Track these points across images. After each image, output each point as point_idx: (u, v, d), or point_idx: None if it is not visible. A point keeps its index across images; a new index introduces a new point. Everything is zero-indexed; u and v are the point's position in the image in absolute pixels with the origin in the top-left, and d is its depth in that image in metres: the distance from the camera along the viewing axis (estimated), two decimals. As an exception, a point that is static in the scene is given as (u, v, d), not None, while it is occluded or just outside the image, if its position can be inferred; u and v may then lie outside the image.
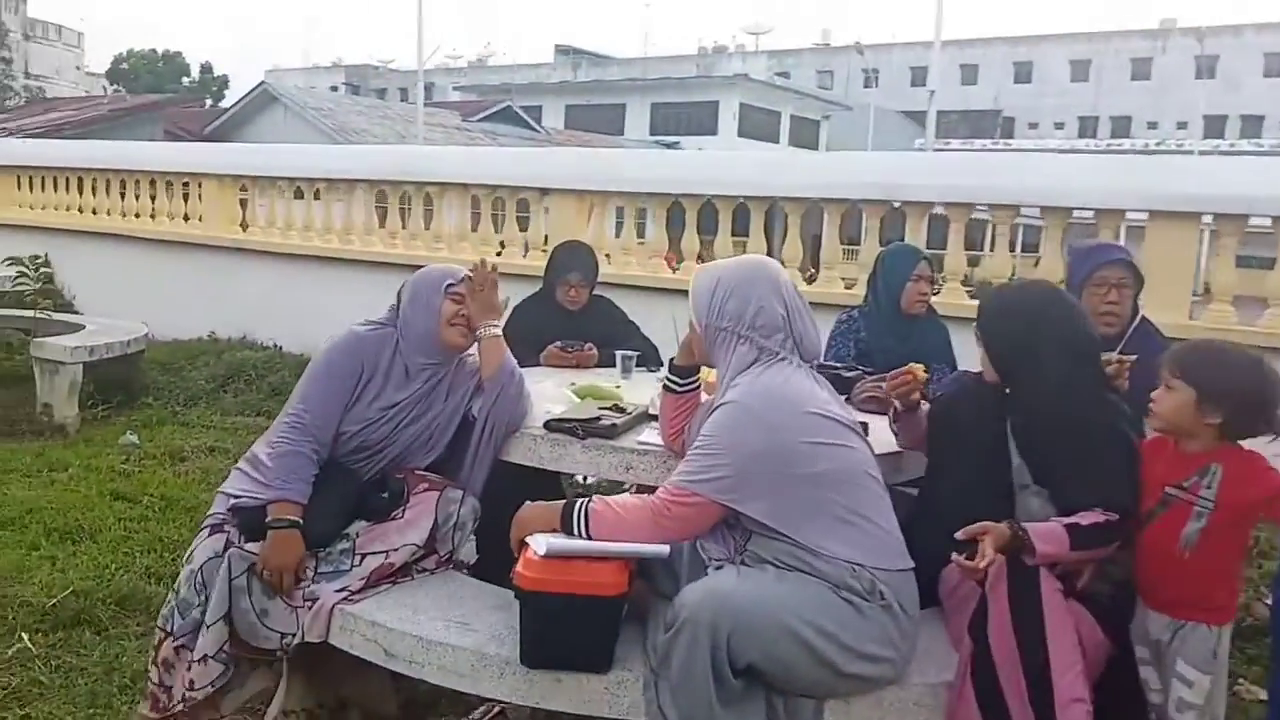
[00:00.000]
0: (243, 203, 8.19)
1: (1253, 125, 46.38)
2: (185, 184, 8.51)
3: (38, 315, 6.07)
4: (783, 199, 5.60)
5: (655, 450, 2.50)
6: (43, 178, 9.60)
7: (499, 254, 7.03)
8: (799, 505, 2.04)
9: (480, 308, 2.61)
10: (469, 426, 2.62)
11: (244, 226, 8.14)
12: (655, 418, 2.71)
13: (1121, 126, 50.61)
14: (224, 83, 57.87)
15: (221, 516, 2.46)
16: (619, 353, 3.44)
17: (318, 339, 7.50)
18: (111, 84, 53.00)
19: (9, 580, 3.34)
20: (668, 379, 2.45)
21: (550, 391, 2.92)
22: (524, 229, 6.71)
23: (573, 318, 3.88)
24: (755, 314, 2.18)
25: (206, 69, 59.87)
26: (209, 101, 45.67)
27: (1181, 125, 47.45)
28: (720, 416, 2.11)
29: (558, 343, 3.69)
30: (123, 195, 8.92)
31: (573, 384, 3.23)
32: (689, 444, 2.39)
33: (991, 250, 5.48)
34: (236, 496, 2.47)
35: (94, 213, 9.14)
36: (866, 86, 53.58)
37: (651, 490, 2.23)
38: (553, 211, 6.47)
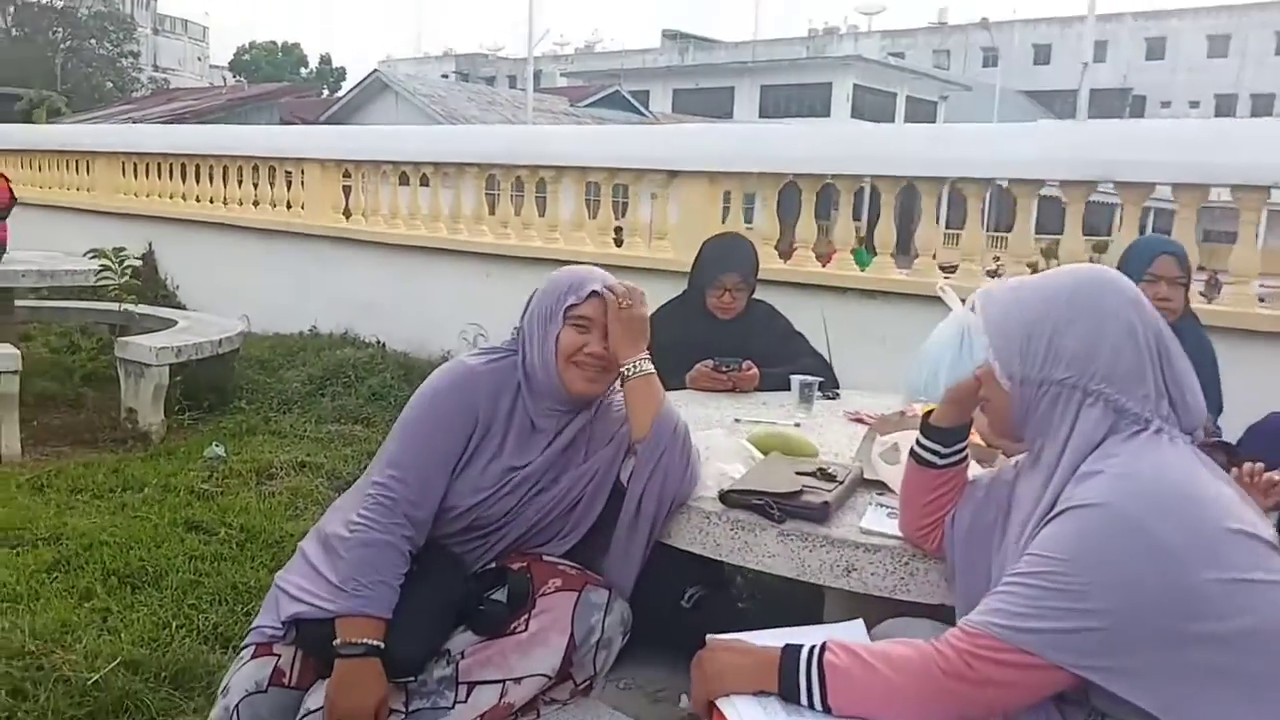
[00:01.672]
0: (346, 190, 7.67)
1: None
2: (289, 171, 8.05)
3: (124, 308, 5.61)
4: (966, 179, 4.72)
5: (892, 545, 1.72)
6: (146, 164, 9.29)
7: (618, 242, 6.32)
8: (1194, 681, 1.23)
9: (624, 335, 1.89)
10: (617, 498, 1.89)
11: (347, 214, 7.61)
12: (878, 485, 1.93)
13: (1263, 105, 47.24)
14: (341, 74, 59.01)
15: (271, 631, 1.77)
16: (797, 377, 2.66)
17: (423, 337, 6.97)
18: (233, 75, 54.48)
19: (50, 644, 2.76)
20: (921, 444, 1.67)
21: (720, 443, 2.15)
22: (647, 216, 5.98)
23: (726, 328, 3.12)
24: (1112, 359, 1.38)
25: (325, 60, 61.22)
26: (325, 92, 46.39)
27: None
28: (1080, 526, 1.29)
29: (709, 361, 2.94)
30: (225, 182, 8.52)
31: (736, 419, 2.47)
32: (955, 549, 1.61)
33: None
34: (295, 598, 1.78)
35: (197, 200, 8.78)
36: (985, 66, 51.35)
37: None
38: (682, 196, 5.70)
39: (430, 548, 1.85)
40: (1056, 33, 53.36)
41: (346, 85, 47.43)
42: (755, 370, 2.93)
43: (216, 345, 5.38)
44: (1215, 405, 3.04)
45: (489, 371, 1.91)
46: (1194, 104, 49.40)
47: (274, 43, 60.16)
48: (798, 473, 1.90)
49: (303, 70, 58.46)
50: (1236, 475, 1.96)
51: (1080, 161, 4.32)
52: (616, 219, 6.41)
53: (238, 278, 8.02)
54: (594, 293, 1.90)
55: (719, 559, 1.83)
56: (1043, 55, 54.33)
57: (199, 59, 61.34)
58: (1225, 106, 48.19)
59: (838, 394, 2.96)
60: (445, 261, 6.81)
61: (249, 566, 3.39)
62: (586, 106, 29.55)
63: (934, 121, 41.15)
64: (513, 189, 6.73)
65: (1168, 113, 48.88)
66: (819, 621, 1.83)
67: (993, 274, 6.06)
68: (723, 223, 5.63)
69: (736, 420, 2.54)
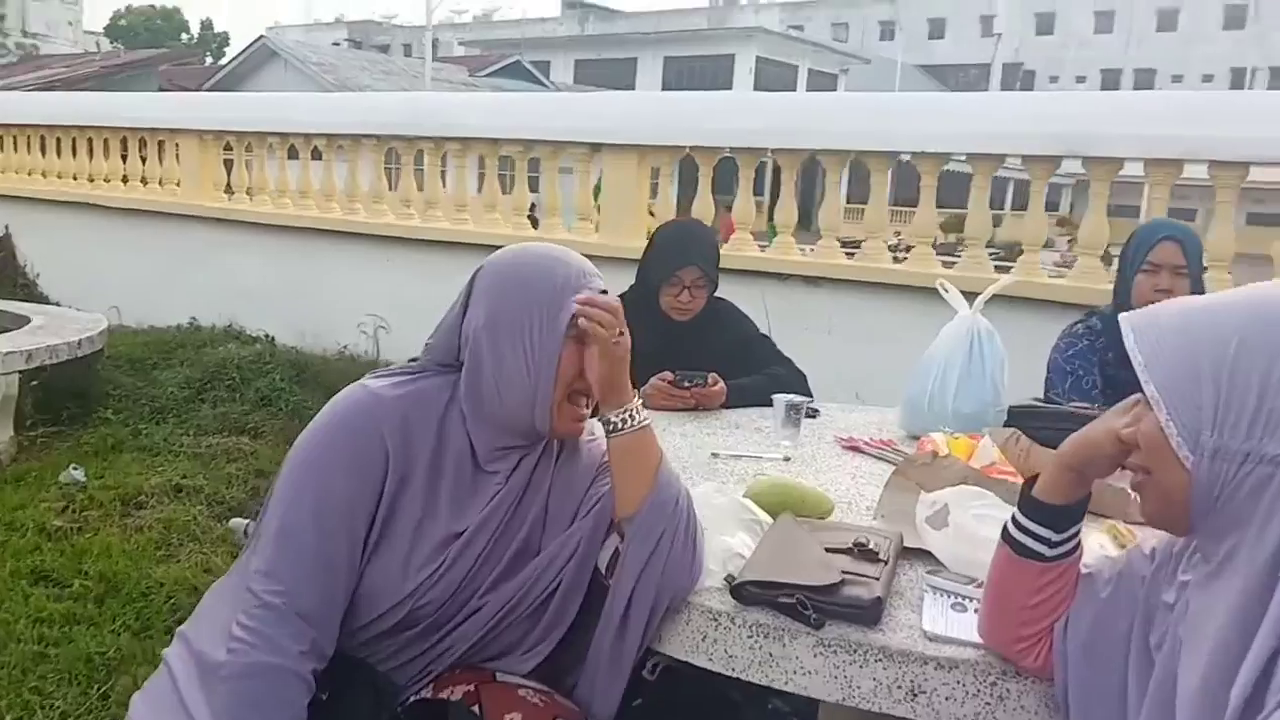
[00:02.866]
0: (228, 164, 6.91)
1: (1281, 79, 44.56)
2: (162, 143, 7.23)
3: (-38, 307, 4.85)
4: (916, 153, 4.33)
5: (970, 657, 1.27)
6: (1, 137, 8.31)
7: (534, 223, 5.78)
8: None
9: (614, 374, 1.39)
10: (597, 593, 1.40)
11: (229, 192, 6.86)
12: (922, 555, 1.48)
13: (1145, 79, 48.76)
14: (224, 40, 56.40)
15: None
16: (782, 398, 2.19)
17: (317, 330, 6.20)
18: (109, 41, 51.40)
19: None
20: (1021, 527, 1.21)
21: (709, 499, 1.65)
22: (566, 194, 5.46)
23: (683, 331, 2.64)
24: None
25: (206, 26, 58.37)
26: (209, 59, 44.10)
27: (1207, 78, 45.67)
28: None
29: (667, 373, 2.46)
30: (91, 157, 7.64)
31: (714, 453, 2.00)
32: (1069, 666, 1.17)
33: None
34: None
35: (59, 177, 7.87)
36: (883, 39, 51.79)
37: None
38: (607, 172, 5.19)
39: (343, 664, 1.34)
40: (951, 7, 54.05)
41: (230, 52, 45.25)
42: (722, 385, 2.46)
43: (75, 347, 4.65)
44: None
45: (402, 398, 1.39)
46: (1080, 79, 50.68)
47: (153, 6, 57.02)
48: (828, 549, 1.43)
49: (183, 36, 55.53)
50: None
51: (1046, 136, 3.96)
52: (532, 197, 5.86)
53: (106, 264, 7.20)
54: (577, 315, 1.39)
55: (730, 675, 1.36)
56: (938, 29, 55.02)
57: (71, 24, 57.64)
58: (1110, 81, 49.59)
59: (817, 410, 2.52)
60: (340, 245, 6.16)
61: (108, 630, 2.79)
62: (486, 76, 28.57)
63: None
64: (415, 164, 6.12)
65: (1056, 87, 50.10)
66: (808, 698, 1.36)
67: (894, 249, 5.74)
68: (653, 200, 5.14)
69: (714, 455, 2.06)
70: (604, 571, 1.39)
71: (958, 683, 1.25)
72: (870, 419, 2.51)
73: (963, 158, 4.41)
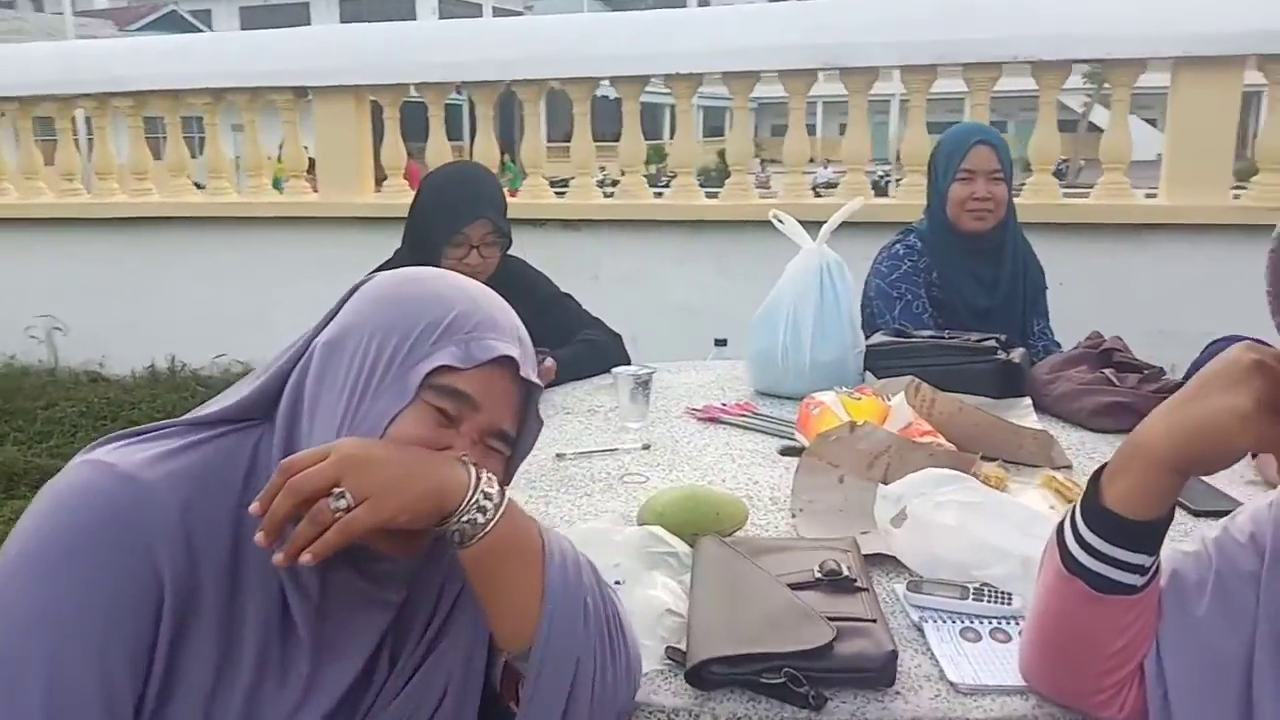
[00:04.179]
0: None
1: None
2: None
3: None
4: (617, 78, 4.05)
5: (1024, 711, 0.94)
6: None
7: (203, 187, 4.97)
8: None
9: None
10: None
11: None
12: (885, 561, 1.15)
13: None
14: None
15: None
16: (623, 372, 1.80)
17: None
18: None
19: None
20: (1098, 552, 0.87)
21: (603, 540, 1.21)
22: (272, 149, 4.72)
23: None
24: None
25: None
26: None
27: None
28: None
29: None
30: None
31: (559, 454, 1.59)
32: (1174, 711, 0.87)
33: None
34: None
35: None
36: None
37: None
38: (318, 120, 4.49)
39: None
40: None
41: None
42: (552, 362, 2.04)
43: None
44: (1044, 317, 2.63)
45: (176, 478, 0.85)
46: None
47: None
48: (790, 584, 1.07)
49: None
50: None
51: (810, 47, 3.76)
52: (233, 156, 5.03)
53: None
54: (503, 358, 0.89)
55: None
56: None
57: None
58: None
59: (724, 340, 2.19)
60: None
61: None
62: (137, 31, 25.53)
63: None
64: (75, 130, 5.07)
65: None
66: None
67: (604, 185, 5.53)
68: (379, 149, 4.52)
69: (559, 456, 1.64)
70: (495, 685, 0.94)
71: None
72: (707, 379, 2.18)
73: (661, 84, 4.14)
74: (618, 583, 1.08)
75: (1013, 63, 3.62)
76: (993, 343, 2.00)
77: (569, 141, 4.29)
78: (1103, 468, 0.88)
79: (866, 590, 1.07)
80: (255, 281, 4.60)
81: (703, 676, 0.96)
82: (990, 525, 1.16)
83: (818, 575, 1.08)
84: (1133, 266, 3.66)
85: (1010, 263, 2.48)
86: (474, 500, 0.84)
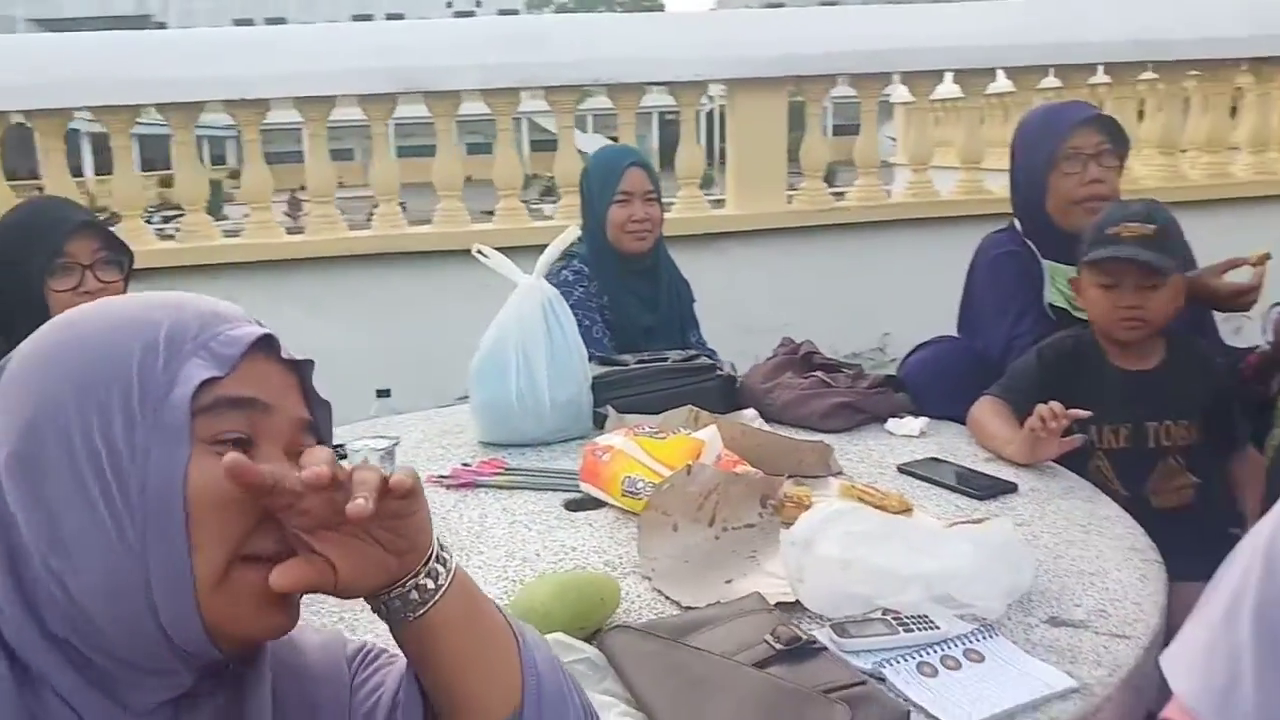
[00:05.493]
0: None
1: None
2: None
3: None
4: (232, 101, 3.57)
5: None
6: None
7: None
8: None
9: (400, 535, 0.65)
10: None
11: None
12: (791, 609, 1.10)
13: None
14: None
15: None
16: (358, 445, 1.51)
17: None
18: None
19: None
20: None
21: None
22: None
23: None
24: None
25: None
26: None
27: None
28: None
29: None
30: None
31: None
32: None
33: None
34: None
35: None
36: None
37: None
38: None
39: None
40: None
41: None
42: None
43: None
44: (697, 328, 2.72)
45: None
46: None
47: None
48: (757, 665, 0.95)
49: None
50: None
51: (387, 71, 3.56)
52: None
53: None
54: (260, 341, 0.67)
55: None
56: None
57: None
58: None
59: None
60: None
61: None
62: None
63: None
64: None
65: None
66: None
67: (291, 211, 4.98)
68: None
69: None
70: None
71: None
72: (414, 439, 1.94)
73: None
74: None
75: (593, 85, 3.74)
76: (704, 359, 2.02)
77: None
78: None
79: (826, 649, 0.99)
80: None
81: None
82: (889, 549, 1.14)
83: (778, 646, 0.98)
84: (710, 269, 3.96)
85: (666, 280, 2.54)
86: (432, 554, 0.67)
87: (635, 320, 2.45)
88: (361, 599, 0.66)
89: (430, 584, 0.66)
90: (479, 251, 1.85)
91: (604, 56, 3.71)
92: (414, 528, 0.65)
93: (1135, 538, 1.35)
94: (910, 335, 2.43)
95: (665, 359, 2.02)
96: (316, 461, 0.61)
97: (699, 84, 3.88)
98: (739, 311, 3.74)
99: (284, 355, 0.69)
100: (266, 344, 0.67)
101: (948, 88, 4.64)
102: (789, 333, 2.23)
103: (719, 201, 4.24)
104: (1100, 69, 4.30)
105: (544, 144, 23.61)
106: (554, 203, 3.98)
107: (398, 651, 0.70)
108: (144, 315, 0.65)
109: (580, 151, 3.62)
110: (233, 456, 0.59)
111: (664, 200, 2.57)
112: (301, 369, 0.71)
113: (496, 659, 0.69)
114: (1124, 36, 4.06)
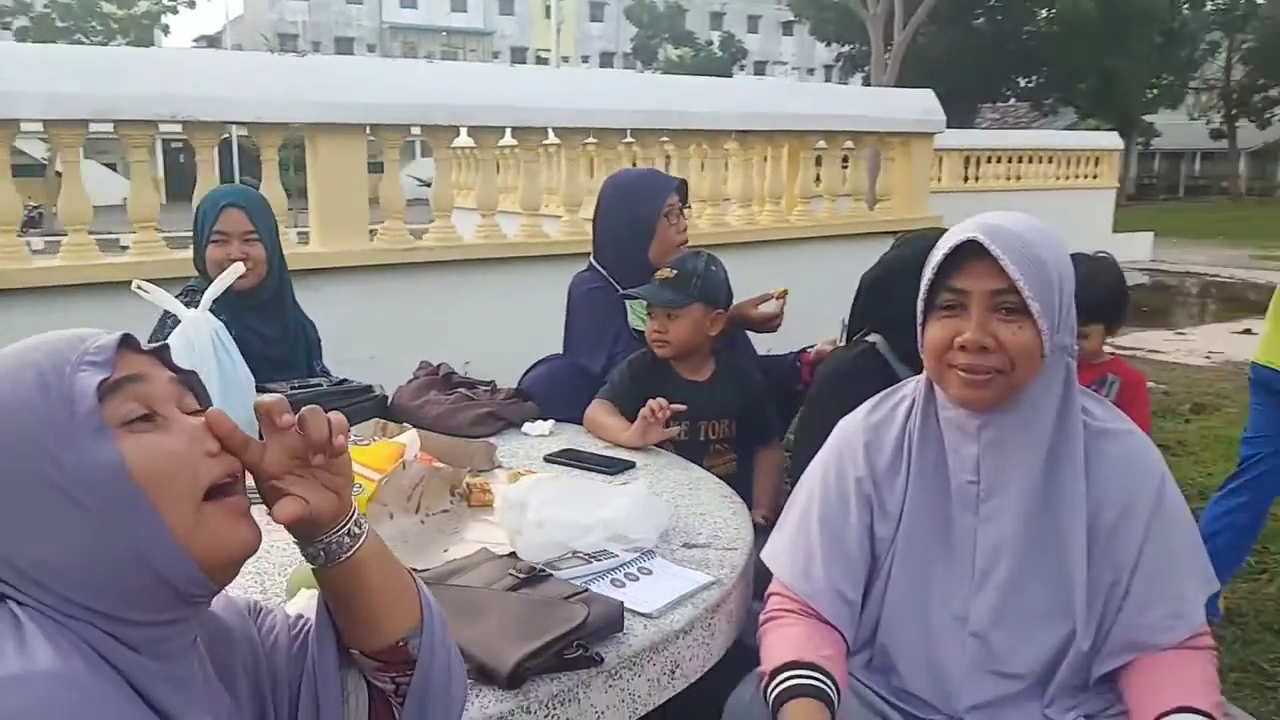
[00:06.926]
0: None
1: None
2: None
3: None
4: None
5: (689, 615, 1.34)
6: None
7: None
8: None
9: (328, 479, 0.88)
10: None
11: None
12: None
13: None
14: None
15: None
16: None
17: None
18: None
19: None
20: None
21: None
22: None
23: None
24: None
25: None
26: None
27: None
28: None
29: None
30: None
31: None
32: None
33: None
34: None
35: None
36: None
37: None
38: None
39: None
40: None
41: None
42: None
43: None
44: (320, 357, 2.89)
45: None
46: None
47: None
48: (511, 589, 1.27)
49: None
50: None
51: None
52: None
53: None
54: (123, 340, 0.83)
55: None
56: None
57: None
58: None
59: None
60: None
61: None
62: None
63: None
64: None
65: None
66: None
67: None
68: None
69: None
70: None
71: (697, 641, 1.34)
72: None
73: None
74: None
75: (170, 121, 3.71)
76: (356, 383, 2.26)
77: None
78: None
79: (554, 575, 1.35)
80: None
81: (520, 676, 1.14)
82: (572, 508, 1.52)
83: (521, 576, 1.31)
84: (310, 305, 4.08)
85: (290, 315, 2.65)
86: (354, 514, 0.90)
87: (262, 353, 2.57)
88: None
89: (357, 529, 0.89)
90: (139, 287, 1.93)
91: (182, 94, 3.70)
92: (345, 465, 0.88)
93: (722, 489, 1.87)
94: (490, 363, 2.85)
95: (320, 384, 2.21)
96: (282, 410, 0.83)
97: (279, 125, 4.00)
98: (337, 344, 3.90)
99: (144, 347, 0.84)
100: (126, 342, 0.83)
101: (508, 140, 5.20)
102: (376, 364, 2.47)
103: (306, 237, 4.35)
104: (628, 132, 5.12)
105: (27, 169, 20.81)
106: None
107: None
108: (20, 367, 0.78)
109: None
110: (213, 410, 0.80)
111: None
112: (161, 354, 0.86)
113: (404, 586, 0.94)
114: (645, 107, 4.89)
